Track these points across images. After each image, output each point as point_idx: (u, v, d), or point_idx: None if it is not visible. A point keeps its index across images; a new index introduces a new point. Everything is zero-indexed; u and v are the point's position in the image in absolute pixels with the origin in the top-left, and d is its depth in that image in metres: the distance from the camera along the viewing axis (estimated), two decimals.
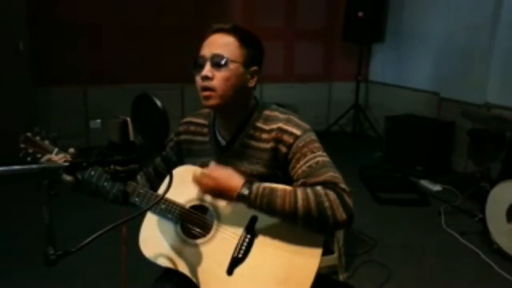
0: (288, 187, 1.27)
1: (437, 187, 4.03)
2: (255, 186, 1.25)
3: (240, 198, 1.25)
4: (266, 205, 1.24)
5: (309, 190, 1.24)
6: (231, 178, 1.28)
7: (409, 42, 5.23)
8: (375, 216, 3.45)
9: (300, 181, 1.30)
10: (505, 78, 4.05)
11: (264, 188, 1.25)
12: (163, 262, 1.37)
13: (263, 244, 1.30)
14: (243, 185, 1.25)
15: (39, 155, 1.44)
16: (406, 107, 4.98)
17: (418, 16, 5.09)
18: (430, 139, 4.39)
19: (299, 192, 1.24)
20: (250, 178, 1.29)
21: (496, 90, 4.13)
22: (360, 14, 5.21)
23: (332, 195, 1.22)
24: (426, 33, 4.94)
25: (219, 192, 1.29)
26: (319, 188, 1.24)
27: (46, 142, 1.46)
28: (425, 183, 4.13)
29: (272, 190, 1.25)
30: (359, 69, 5.60)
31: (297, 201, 1.22)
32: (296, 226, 1.26)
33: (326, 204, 1.21)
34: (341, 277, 2.51)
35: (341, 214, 1.21)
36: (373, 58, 5.92)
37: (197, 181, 1.31)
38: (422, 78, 5.02)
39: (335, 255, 2.48)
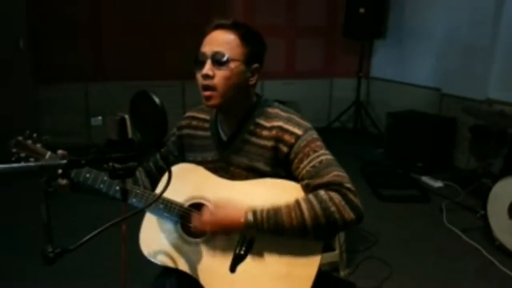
0: (290, 201, 1.25)
1: (438, 184, 4.02)
2: (258, 211, 1.25)
3: (247, 227, 1.25)
4: (274, 226, 1.23)
5: (312, 198, 1.23)
6: (231, 213, 1.27)
7: (411, 38, 5.20)
8: (377, 212, 3.45)
9: (305, 182, 1.29)
10: (506, 74, 4.03)
11: (268, 211, 1.24)
12: (163, 261, 1.37)
13: (265, 241, 1.30)
14: (246, 215, 1.25)
15: (31, 159, 1.41)
16: (408, 104, 4.96)
17: (419, 12, 5.07)
18: (431, 135, 4.37)
19: (303, 203, 1.23)
20: (250, 207, 1.27)
21: (497, 86, 4.11)
22: (361, 10, 5.19)
23: (336, 197, 1.22)
24: (428, 29, 4.91)
25: (225, 230, 1.29)
26: (322, 193, 1.23)
27: (38, 145, 1.42)
28: (426, 179, 4.12)
29: (276, 210, 1.24)
30: (360, 65, 5.58)
31: (303, 213, 1.21)
32: (307, 239, 1.26)
33: (333, 208, 1.20)
34: (342, 273, 2.51)
35: (349, 214, 1.21)
36: (374, 55, 5.89)
37: (201, 229, 1.32)
38: (423, 74, 5.00)
39: (336, 251, 2.48)
